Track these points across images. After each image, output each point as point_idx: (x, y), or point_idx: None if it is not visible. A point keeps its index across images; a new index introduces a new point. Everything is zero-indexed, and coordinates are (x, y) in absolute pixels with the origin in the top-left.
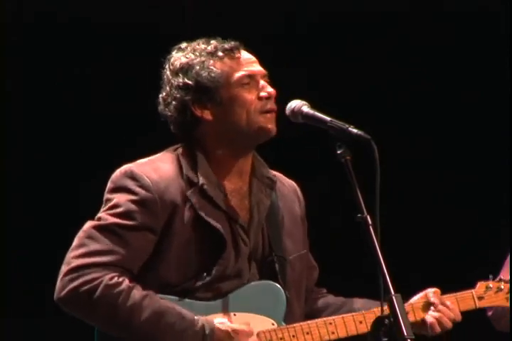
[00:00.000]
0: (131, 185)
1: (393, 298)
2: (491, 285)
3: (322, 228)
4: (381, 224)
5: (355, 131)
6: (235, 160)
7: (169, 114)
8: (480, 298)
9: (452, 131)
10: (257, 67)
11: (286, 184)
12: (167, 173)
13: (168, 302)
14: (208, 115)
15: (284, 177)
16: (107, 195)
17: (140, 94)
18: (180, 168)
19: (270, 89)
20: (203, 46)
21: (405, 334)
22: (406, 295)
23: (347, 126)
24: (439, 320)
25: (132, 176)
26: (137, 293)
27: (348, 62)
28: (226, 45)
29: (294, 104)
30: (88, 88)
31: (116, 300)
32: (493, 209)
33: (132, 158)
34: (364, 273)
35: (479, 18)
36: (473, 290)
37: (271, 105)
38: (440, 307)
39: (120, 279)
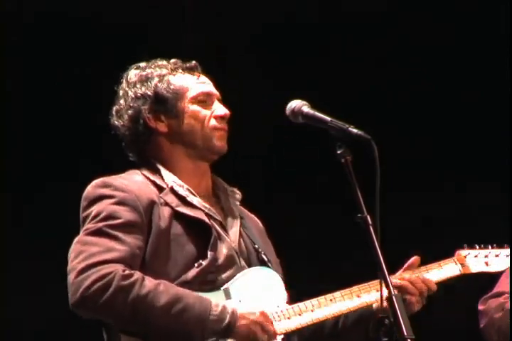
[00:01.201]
0: (105, 191)
1: (393, 297)
2: (468, 252)
3: (322, 228)
4: (381, 224)
5: (355, 131)
6: (194, 174)
7: (121, 123)
8: (462, 265)
9: (452, 131)
10: (214, 89)
11: (248, 212)
12: (136, 181)
13: (181, 288)
14: (162, 127)
15: None
16: (84, 213)
17: None
18: (146, 178)
19: (225, 110)
20: (163, 63)
21: (405, 334)
22: None
23: (347, 126)
24: (413, 283)
25: (104, 185)
26: (151, 281)
27: (348, 62)
28: (186, 64)
29: (294, 104)
30: (88, 88)
31: (131, 289)
32: (493, 208)
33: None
34: (364, 272)
35: (479, 18)
36: (453, 258)
37: (224, 125)
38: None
39: (132, 271)
